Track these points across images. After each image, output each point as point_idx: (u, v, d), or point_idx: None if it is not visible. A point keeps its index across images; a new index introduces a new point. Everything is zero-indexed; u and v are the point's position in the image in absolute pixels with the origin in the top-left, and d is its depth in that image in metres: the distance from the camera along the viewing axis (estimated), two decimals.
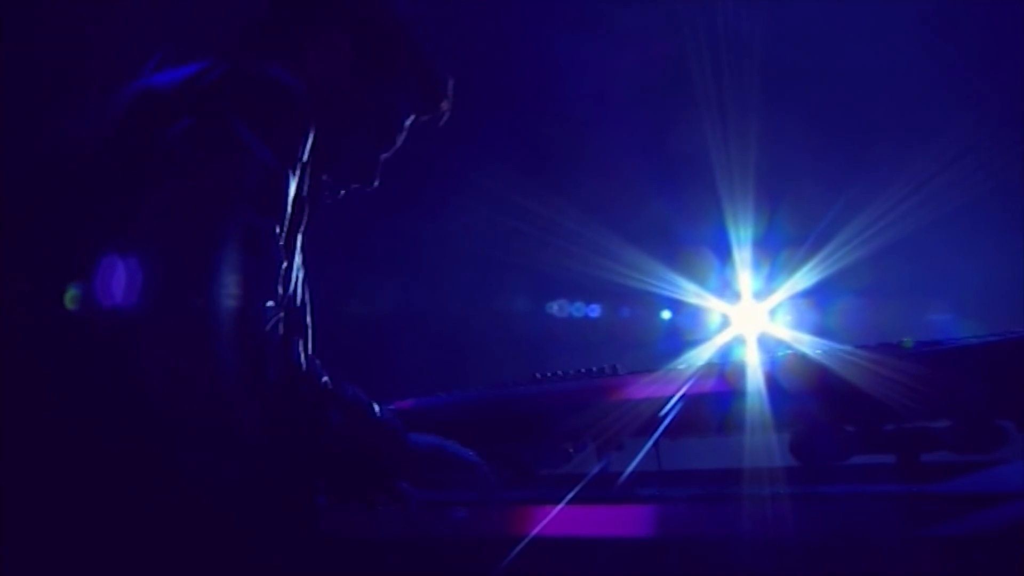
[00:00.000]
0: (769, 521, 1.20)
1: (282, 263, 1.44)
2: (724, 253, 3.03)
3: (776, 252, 3.01)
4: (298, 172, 1.49)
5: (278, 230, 1.43)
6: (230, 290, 1.33)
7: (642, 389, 1.81)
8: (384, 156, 1.83)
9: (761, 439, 1.56)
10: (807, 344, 1.65)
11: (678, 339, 3.13)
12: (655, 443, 1.81)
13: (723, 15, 3.14)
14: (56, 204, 1.48)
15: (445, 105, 1.85)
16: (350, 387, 1.59)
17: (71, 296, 1.39)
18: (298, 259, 1.60)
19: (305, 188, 1.55)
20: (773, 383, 1.52)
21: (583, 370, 1.99)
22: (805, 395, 1.46)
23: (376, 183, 1.83)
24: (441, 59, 1.81)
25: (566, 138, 3.39)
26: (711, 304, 2.81)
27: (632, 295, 3.27)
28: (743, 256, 2.97)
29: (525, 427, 1.98)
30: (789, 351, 1.57)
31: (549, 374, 2.03)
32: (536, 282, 3.57)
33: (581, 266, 3.25)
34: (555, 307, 3.67)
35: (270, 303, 1.40)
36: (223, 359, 1.31)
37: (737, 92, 3.10)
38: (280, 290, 1.46)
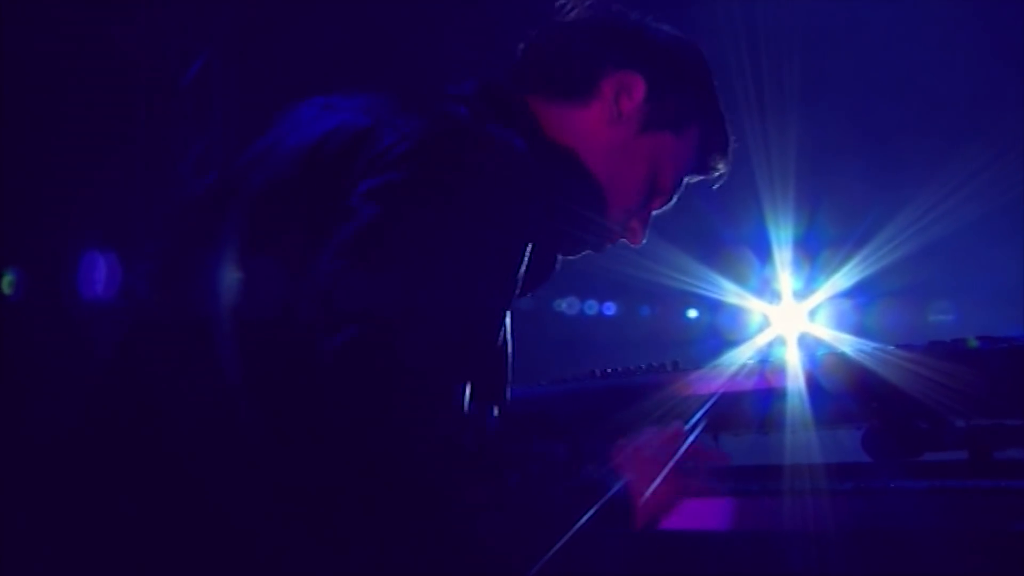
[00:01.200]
0: (840, 515, 1.20)
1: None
2: (764, 253, 3.02)
3: (816, 252, 3.00)
4: (518, 248, 1.35)
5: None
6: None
7: (705, 385, 1.79)
8: (656, 212, 1.69)
9: (827, 435, 1.55)
10: (856, 344, 1.65)
11: (718, 339, 3.12)
12: (714, 437, 1.80)
13: (763, 14, 3.14)
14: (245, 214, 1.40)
15: (723, 165, 1.71)
16: (546, 447, 1.43)
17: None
18: (506, 330, 1.50)
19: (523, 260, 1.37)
20: (835, 383, 1.52)
21: (643, 366, 1.96)
22: (874, 394, 1.46)
23: (644, 241, 1.69)
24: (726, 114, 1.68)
25: None
26: (751, 304, 2.80)
27: (671, 295, 3.27)
28: (783, 256, 2.96)
29: (587, 422, 1.93)
30: (870, 349, 1.57)
31: (609, 370, 1.99)
32: (576, 282, 3.58)
33: (620, 266, 3.25)
34: (589, 306, 3.68)
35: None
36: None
37: (777, 91, 3.09)
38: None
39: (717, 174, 1.72)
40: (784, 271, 2.93)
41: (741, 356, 1.81)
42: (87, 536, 1.29)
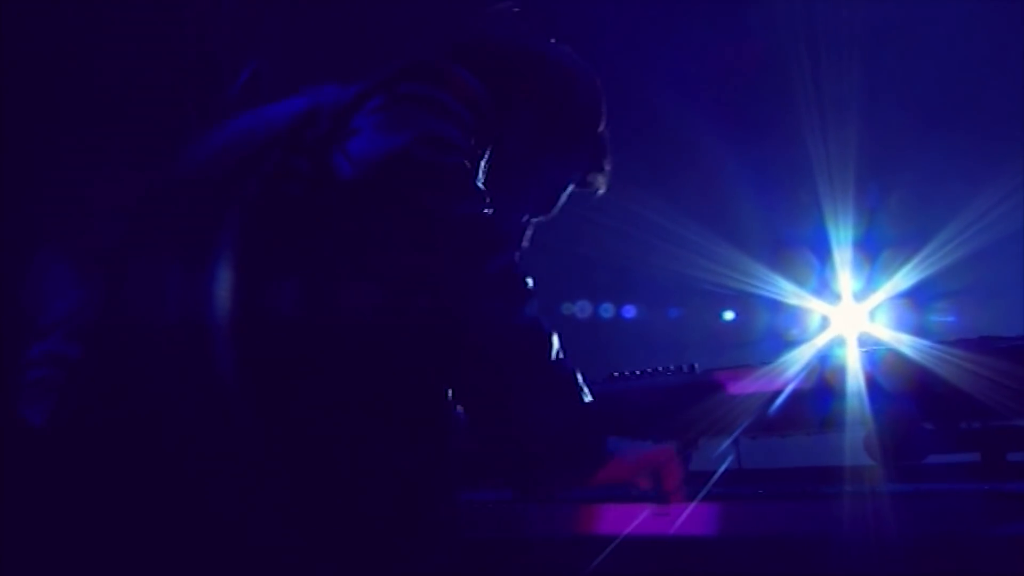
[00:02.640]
0: (855, 519, 1.20)
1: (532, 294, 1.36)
2: (824, 253, 3.02)
3: (877, 252, 2.98)
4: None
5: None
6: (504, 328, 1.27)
7: (724, 386, 1.80)
8: (537, 221, 1.77)
9: (844, 437, 1.55)
10: (915, 344, 1.65)
11: (778, 339, 3.12)
12: (735, 441, 1.80)
13: (822, 10, 3.12)
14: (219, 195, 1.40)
15: (602, 181, 1.81)
16: None
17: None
18: None
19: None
20: (895, 383, 1.52)
21: (660, 368, 1.97)
22: (933, 394, 1.46)
23: (525, 245, 1.76)
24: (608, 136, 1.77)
25: (662, 136, 3.40)
26: (811, 304, 2.80)
27: (729, 295, 3.27)
28: (843, 256, 2.95)
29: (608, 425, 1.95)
30: (879, 347, 1.57)
31: (627, 373, 2.00)
32: (637, 282, 3.58)
33: (679, 266, 3.26)
34: (651, 307, 3.68)
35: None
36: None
37: (837, 90, 3.08)
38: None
39: (595, 190, 1.81)
40: (844, 271, 2.92)
41: (801, 356, 1.82)
42: (78, 538, 1.30)
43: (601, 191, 1.82)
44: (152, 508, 1.28)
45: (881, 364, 1.60)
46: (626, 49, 3.40)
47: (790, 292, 2.83)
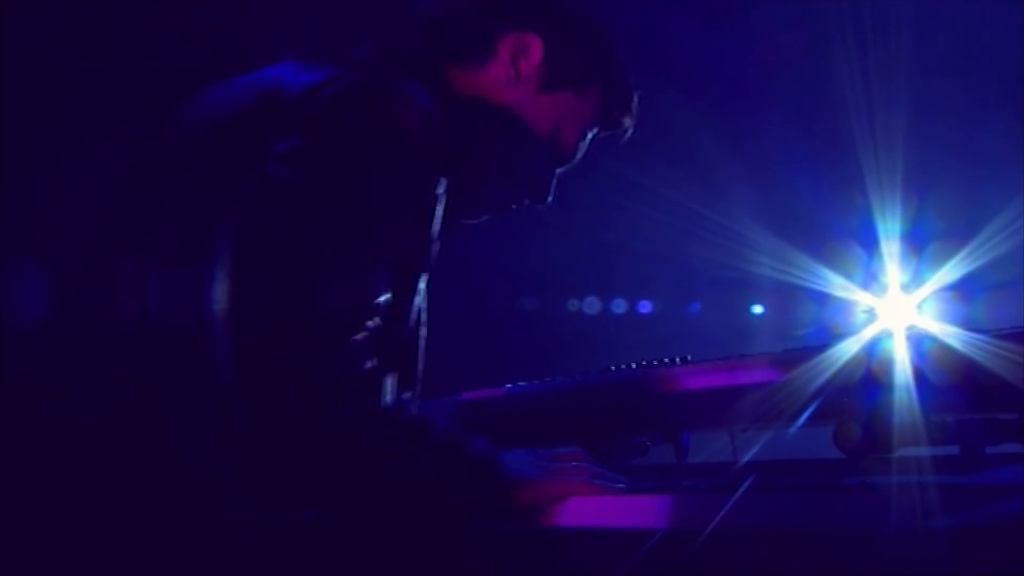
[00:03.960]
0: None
1: (377, 297, 1.35)
2: (871, 246, 3.01)
3: (924, 244, 2.98)
4: (420, 205, 1.40)
5: (375, 264, 1.35)
6: (310, 322, 1.27)
7: (713, 378, 1.78)
8: (561, 171, 1.70)
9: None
10: (963, 336, 1.65)
11: (825, 332, 3.12)
12: (730, 434, 1.80)
13: (870, 3, 3.11)
14: (157, 190, 1.44)
15: (628, 122, 1.73)
16: (442, 423, 1.43)
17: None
18: (419, 298, 1.51)
19: (433, 222, 1.43)
20: (942, 375, 1.52)
21: (655, 362, 1.95)
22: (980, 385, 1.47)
23: (550, 199, 1.71)
24: (629, 70, 1.69)
25: (710, 131, 3.41)
26: (858, 297, 2.80)
27: (774, 288, 3.28)
28: (891, 248, 2.95)
29: (602, 418, 1.95)
30: (977, 340, 1.57)
31: (623, 366, 1.98)
32: (682, 276, 3.60)
33: (726, 259, 3.28)
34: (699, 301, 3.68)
35: (358, 335, 1.31)
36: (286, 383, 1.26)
37: (885, 80, 3.07)
38: (378, 322, 1.36)
39: (623, 130, 1.74)
40: (891, 263, 2.92)
41: (847, 348, 1.83)
42: (73, 536, 1.32)
43: (629, 132, 1.74)
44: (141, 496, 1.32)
45: (928, 355, 1.61)
46: (674, 37, 3.41)
47: (838, 284, 2.83)
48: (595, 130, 1.73)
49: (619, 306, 3.72)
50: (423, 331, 1.59)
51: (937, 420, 1.50)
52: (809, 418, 1.65)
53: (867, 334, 1.95)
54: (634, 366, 1.98)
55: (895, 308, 2.79)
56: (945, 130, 3.22)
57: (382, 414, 1.38)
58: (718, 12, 3.48)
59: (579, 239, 3.45)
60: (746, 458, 1.73)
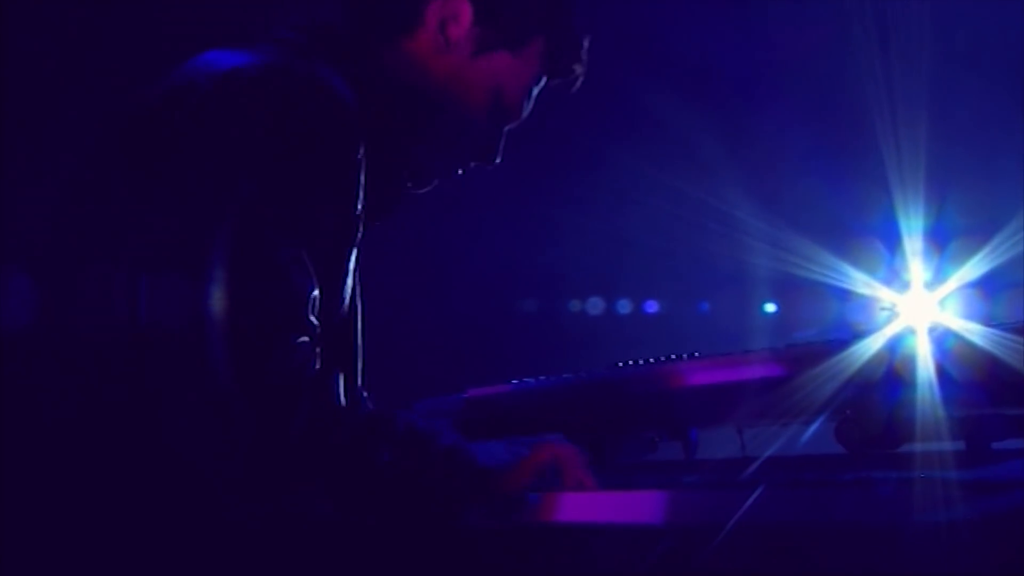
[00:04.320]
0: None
1: (310, 291, 1.33)
2: (893, 243, 3.00)
3: (946, 241, 2.96)
4: (337, 189, 1.38)
5: (304, 254, 1.33)
6: (247, 325, 1.24)
7: (722, 374, 1.78)
8: (508, 128, 1.68)
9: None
10: (985, 333, 1.64)
11: (847, 329, 3.11)
12: (738, 429, 1.80)
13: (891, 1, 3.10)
14: (92, 181, 1.46)
15: (579, 68, 1.70)
16: (405, 417, 1.43)
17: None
18: (350, 280, 1.50)
19: (358, 204, 1.42)
20: (964, 371, 1.52)
21: (661, 358, 1.97)
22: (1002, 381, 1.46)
23: (498, 160, 1.68)
24: (575, 15, 1.65)
25: (730, 128, 3.40)
26: (880, 294, 2.78)
27: (797, 285, 3.26)
28: (913, 245, 2.93)
29: (610, 415, 1.96)
30: (999, 337, 1.57)
31: (631, 362, 2.00)
32: (701, 273, 3.59)
33: (747, 256, 3.27)
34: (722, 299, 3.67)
35: (303, 338, 1.30)
36: (239, 400, 1.24)
37: (908, 78, 3.06)
38: (314, 320, 1.34)
39: (574, 77, 1.70)
40: (914, 260, 2.90)
41: (870, 345, 1.82)
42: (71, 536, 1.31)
43: (580, 79, 1.71)
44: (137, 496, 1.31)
45: (951, 352, 1.60)
46: (692, 32, 3.41)
47: (860, 281, 2.82)
48: (543, 81, 1.69)
49: (628, 304, 3.71)
50: (359, 309, 1.58)
51: (961, 416, 1.50)
52: (830, 415, 1.65)
53: (889, 331, 1.94)
54: (642, 363, 1.97)
55: (917, 305, 2.79)
56: (968, 126, 3.20)
57: (339, 411, 1.38)
58: (737, 6, 3.48)
59: (590, 235, 3.45)
60: (767, 454, 1.73)
